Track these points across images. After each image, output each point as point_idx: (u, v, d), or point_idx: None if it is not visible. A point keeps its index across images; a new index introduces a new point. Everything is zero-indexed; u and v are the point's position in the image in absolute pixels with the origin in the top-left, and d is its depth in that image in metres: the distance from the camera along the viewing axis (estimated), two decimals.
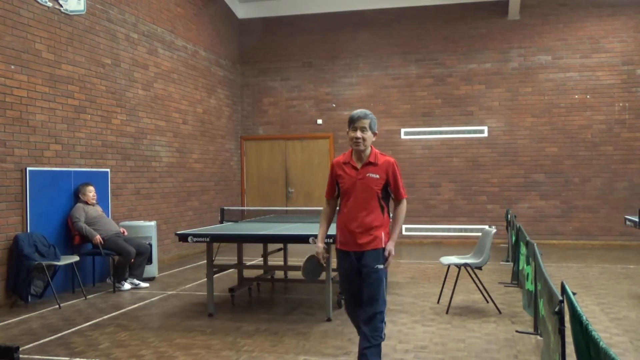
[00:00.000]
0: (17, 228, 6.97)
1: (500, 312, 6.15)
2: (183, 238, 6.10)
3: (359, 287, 4.05)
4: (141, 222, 8.76)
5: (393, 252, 4.04)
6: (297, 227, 6.95)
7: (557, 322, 2.96)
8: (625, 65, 11.90)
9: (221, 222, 8.05)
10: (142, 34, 9.67)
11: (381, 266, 3.99)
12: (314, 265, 4.33)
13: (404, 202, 4.19)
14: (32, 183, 7.13)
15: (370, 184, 4.05)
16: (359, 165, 4.10)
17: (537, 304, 4.91)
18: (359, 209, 4.05)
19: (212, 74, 12.25)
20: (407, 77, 12.84)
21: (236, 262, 7.27)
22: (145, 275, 8.20)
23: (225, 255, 9.64)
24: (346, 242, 4.10)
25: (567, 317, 2.79)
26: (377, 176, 4.05)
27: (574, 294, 2.82)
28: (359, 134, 4.03)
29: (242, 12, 13.63)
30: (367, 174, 4.06)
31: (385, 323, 4.04)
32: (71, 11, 7.94)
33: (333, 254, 4.85)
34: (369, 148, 4.12)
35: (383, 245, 4.03)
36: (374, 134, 4.11)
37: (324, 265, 4.35)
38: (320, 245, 4.22)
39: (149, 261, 8.31)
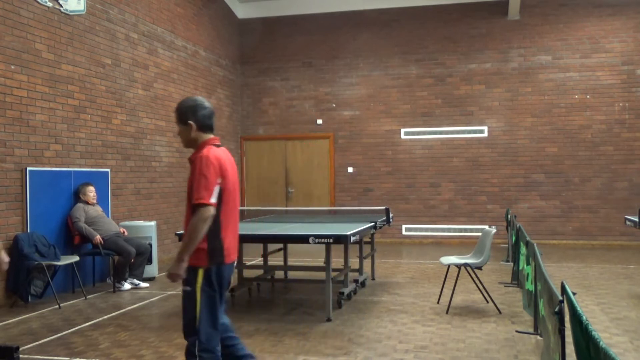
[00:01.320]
0: (17, 228, 6.97)
1: (500, 312, 6.15)
2: None
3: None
4: (141, 222, 8.76)
5: (177, 272, 3.25)
6: (297, 227, 6.96)
7: (557, 322, 2.96)
8: (625, 65, 11.89)
9: None
10: (142, 34, 9.67)
11: (188, 288, 3.32)
12: None
13: (201, 210, 3.20)
14: (32, 183, 7.13)
15: (187, 186, 3.41)
16: None
17: (537, 304, 4.91)
18: (186, 215, 3.45)
19: (212, 74, 12.25)
20: (407, 77, 12.83)
21: (236, 262, 7.26)
22: (145, 275, 8.20)
23: None
24: None
25: (567, 317, 2.79)
26: (190, 175, 3.39)
27: (574, 294, 2.82)
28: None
29: (242, 12, 13.63)
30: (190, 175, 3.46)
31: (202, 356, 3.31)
32: (71, 11, 7.93)
33: None
34: (197, 143, 3.46)
35: (195, 263, 3.31)
36: (188, 125, 3.43)
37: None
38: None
39: (149, 261, 8.31)
